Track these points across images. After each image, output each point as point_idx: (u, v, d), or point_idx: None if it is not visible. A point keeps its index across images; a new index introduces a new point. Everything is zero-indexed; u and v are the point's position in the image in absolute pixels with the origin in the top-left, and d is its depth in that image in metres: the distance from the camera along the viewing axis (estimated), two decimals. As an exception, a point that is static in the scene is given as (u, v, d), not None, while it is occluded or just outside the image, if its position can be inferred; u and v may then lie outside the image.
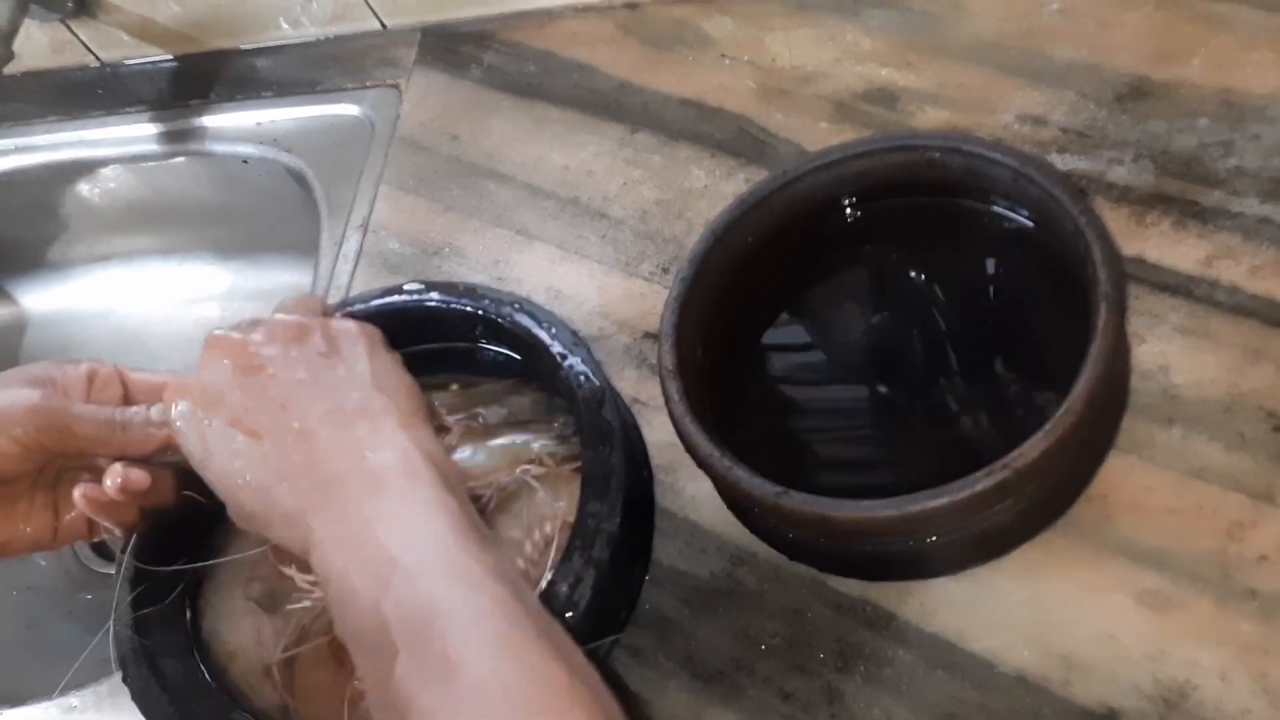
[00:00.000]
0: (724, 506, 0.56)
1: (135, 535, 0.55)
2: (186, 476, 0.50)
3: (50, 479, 0.51)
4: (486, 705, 0.36)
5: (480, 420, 0.58)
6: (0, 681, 0.81)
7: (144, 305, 0.97)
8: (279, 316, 0.50)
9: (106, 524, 0.51)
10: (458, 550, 0.41)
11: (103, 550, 0.88)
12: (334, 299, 0.73)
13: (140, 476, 0.49)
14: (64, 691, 0.63)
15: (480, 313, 0.60)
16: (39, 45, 0.92)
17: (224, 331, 0.49)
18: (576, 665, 0.39)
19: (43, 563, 0.89)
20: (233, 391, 0.46)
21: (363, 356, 0.48)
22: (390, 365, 0.49)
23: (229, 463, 0.46)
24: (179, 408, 0.47)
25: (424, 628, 0.38)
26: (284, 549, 0.46)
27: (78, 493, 0.50)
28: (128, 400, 0.52)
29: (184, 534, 0.56)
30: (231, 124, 0.86)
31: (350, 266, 0.74)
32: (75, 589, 0.87)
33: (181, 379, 0.49)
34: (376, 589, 0.40)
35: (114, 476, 0.49)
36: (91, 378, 0.51)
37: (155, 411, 0.50)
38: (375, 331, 0.50)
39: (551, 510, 0.55)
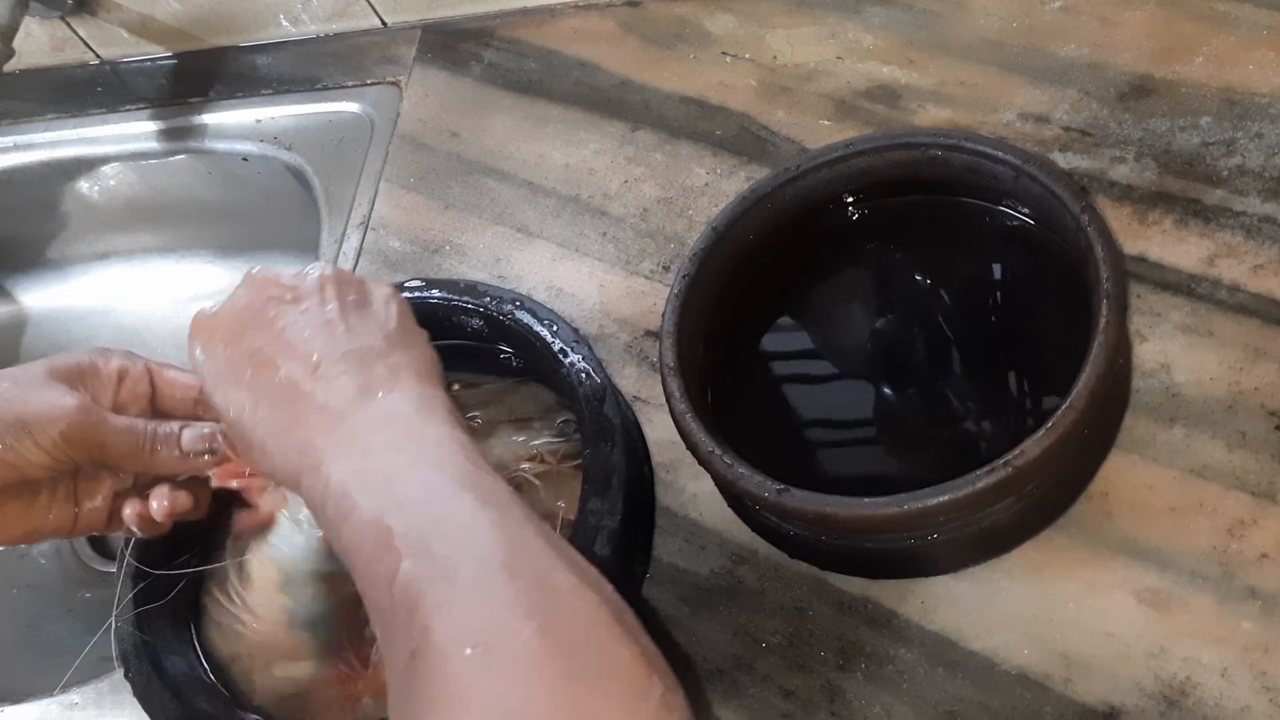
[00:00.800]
0: (725, 504, 0.56)
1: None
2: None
3: (71, 470, 0.51)
4: (495, 602, 0.35)
5: (479, 420, 0.58)
6: (0, 679, 0.81)
7: (144, 303, 0.97)
8: (319, 264, 0.50)
9: (138, 531, 0.52)
10: (467, 473, 0.40)
11: (102, 548, 0.88)
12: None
13: (185, 501, 0.51)
14: (65, 689, 0.63)
15: (481, 310, 0.59)
16: (39, 42, 0.92)
17: (262, 269, 0.49)
18: (588, 575, 0.38)
19: (42, 560, 0.89)
20: (257, 321, 0.46)
21: (394, 314, 0.48)
22: (416, 329, 0.48)
23: (240, 389, 0.45)
24: (199, 349, 0.48)
25: (433, 535, 0.38)
26: (278, 479, 0.46)
27: (128, 511, 0.51)
28: (156, 399, 0.52)
29: (186, 532, 0.55)
30: (231, 121, 0.86)
31: (351, 264, 0.74)
32: (75, 587, 0.87)
33: (205, 316, 0.48)
34: (382, 502, 0.39)
35: (160, 499, 0.51)
36: (122, 377, 0.51)
37: (187, 437, 0.51)
38: (407, 302, 0.50)
39: (552, 508, 0.55)
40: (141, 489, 0.52)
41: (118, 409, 0.51)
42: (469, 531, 0.38)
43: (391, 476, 0.40)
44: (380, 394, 0.43)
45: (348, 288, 0.48)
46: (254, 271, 0.50)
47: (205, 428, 0.51)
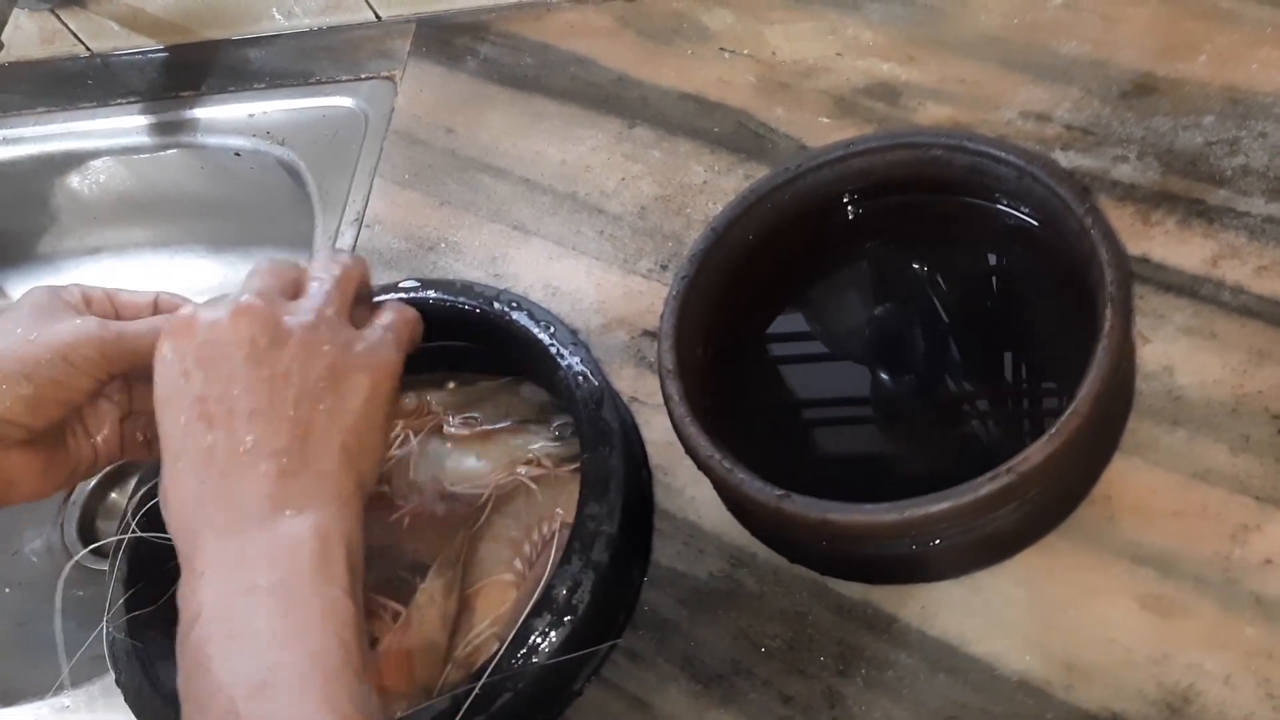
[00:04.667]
0: (724, 507, 0.55)
1: (129, 536, 0.54)
2: None
3: (97, 393, 0.50)
4: None
5: (479, 422, 0.58)
6: (-7, 679, 0.80)
7: (136, 298, 0.96)
8: (314, 305, 0.46)
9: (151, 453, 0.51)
10: (333, 667, 0.39)
11: (93, 537, 0.88)
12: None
13: None
14: (56, 691, 0.62)
15: (477, 311, 0.59)
16: (28, 35, 0.91)
17: (261, 299, 0.46)
18: None
19: (34, 559, 0.88)
20: (219, 359, 0.44)
21: (355, 410, 0.45)
22: (374, 427, 0.45)
23: (174, 426, 0.44)
24: (167, 351, 0.46)
25: None
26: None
27: (141, 437, 0.51)
28: (120, 318, 0.51)
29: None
30: (223, 116, 0.85)
31: (345, 261, 0.73)
32: (68, 585, 0.86)
33: (186, 319, 0.46)
34: (238, 681, 0.38)
35: None
36: (89, 302, 0.50)
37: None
38: (394, 370, 0.47)
39: (549, 511, 0.55)
40: (138, 412, 0.52)
41: None
42: None
43: (258, 646, 0.39)
44: (288, 513, 0.41)
45: (329, 353, 0.45)
46: (253, 298, 0.46)
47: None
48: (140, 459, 0.52)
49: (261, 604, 0.40)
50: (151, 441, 0.50)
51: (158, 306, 0.51)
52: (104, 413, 0.51)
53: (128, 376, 0.50)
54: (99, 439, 0.51)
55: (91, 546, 0.86)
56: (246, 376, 0.44)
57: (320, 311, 0.46)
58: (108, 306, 0.51)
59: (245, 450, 0.42)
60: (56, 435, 0.49)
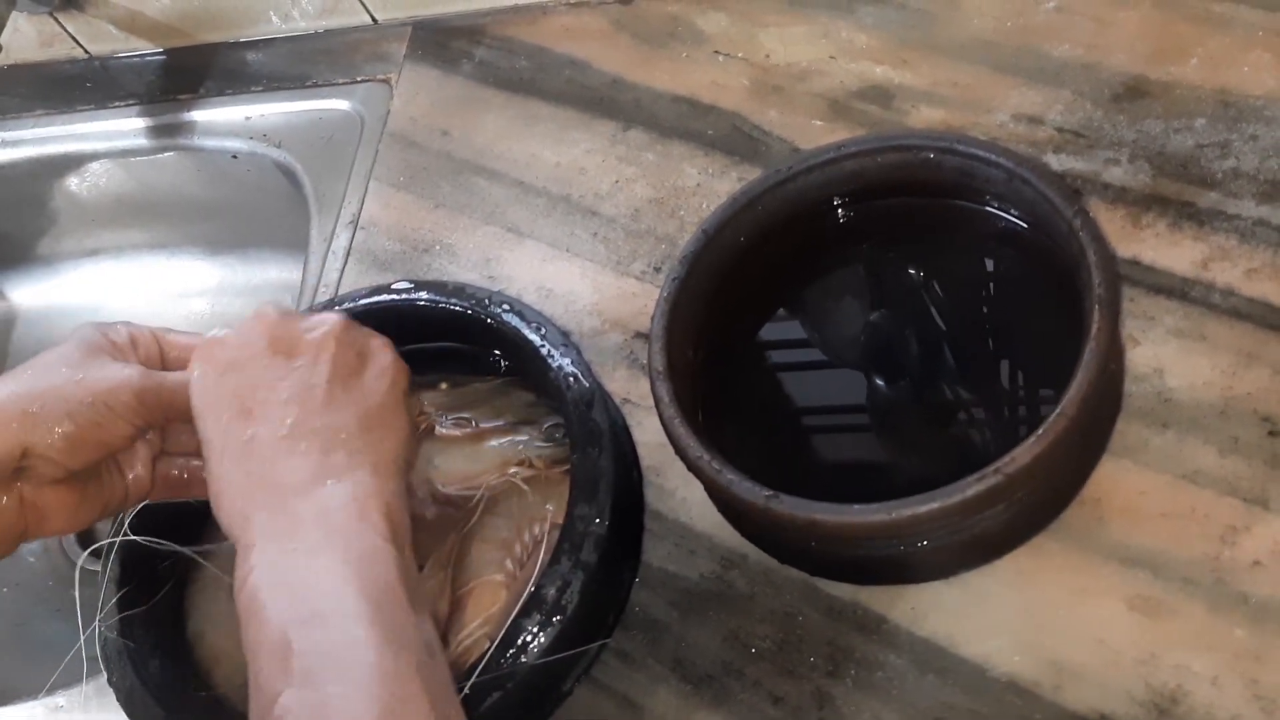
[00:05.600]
0: (714, 509, 0.56)
1: (121, 537, 0.54)
2: None
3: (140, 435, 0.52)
4: None
5: (472, 423, 0.58)
6: (-11, 679, 0.80)
7: (133, 300, 0.96)
8: (333, 316, 0.50)
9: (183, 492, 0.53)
10: (382, 598, 0.41)
11: (90, 539, 0.88)
12: (324, 296, 0.72)
13: None
14: (50, 691, 0.63)
15: (469, 313, 0.59)
16: (27, 38, 0.91)
17: (278, 307, 0.50)
18: None
19: (31, 559, 0.88)
20: (250, 365, 0.47)
21: (380, 391, 0.48)
22: (397, 409, 0.48)
23: (216, 430, 0.46)
24: (198, 371, 0.49)
25: (322, 668, 0.39)
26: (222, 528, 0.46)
27: (174, 472, 0.52)
28: (165, 362, 0.52)
29: (172, 534, 0.55)
30: (221, 119, 0.85)
31: (340, 263, 0.73)
32: (63, 586, 0.87)
33: (213, 340, 0.49)
34: (289, 614, 0.40)
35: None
36: (135, 343, 0.51)
37: None
38: (405, 372, 0.50)
39: (540, 512, 0.55)
40: (171, 450, 0.53)
41: None
42: (358, 675, 0.39)
43: (308, 585, 0.41)
44: (330, 482, 0.44)
45: (348, 350, 0.48)
46: (268, 308, 0.50)
47: None
48: (169, 498, 0.53)
49: (308, 556, 0.42)
50: (182, 481, 0.52)
51: None
52: (137, 452, 0.51)
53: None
54: (131, 477, 0.51)
55: (91, 549, 0.86)
56: (277, 368, 0.47)
57: (330, 319, 0.50)
58: (154, 348, 0.52)
59: (284, 434, 0.45)
60: (92, 473, 0.50)
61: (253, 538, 0.43)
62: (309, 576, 0.41)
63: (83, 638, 0.56)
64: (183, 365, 0.52)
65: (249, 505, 0.44)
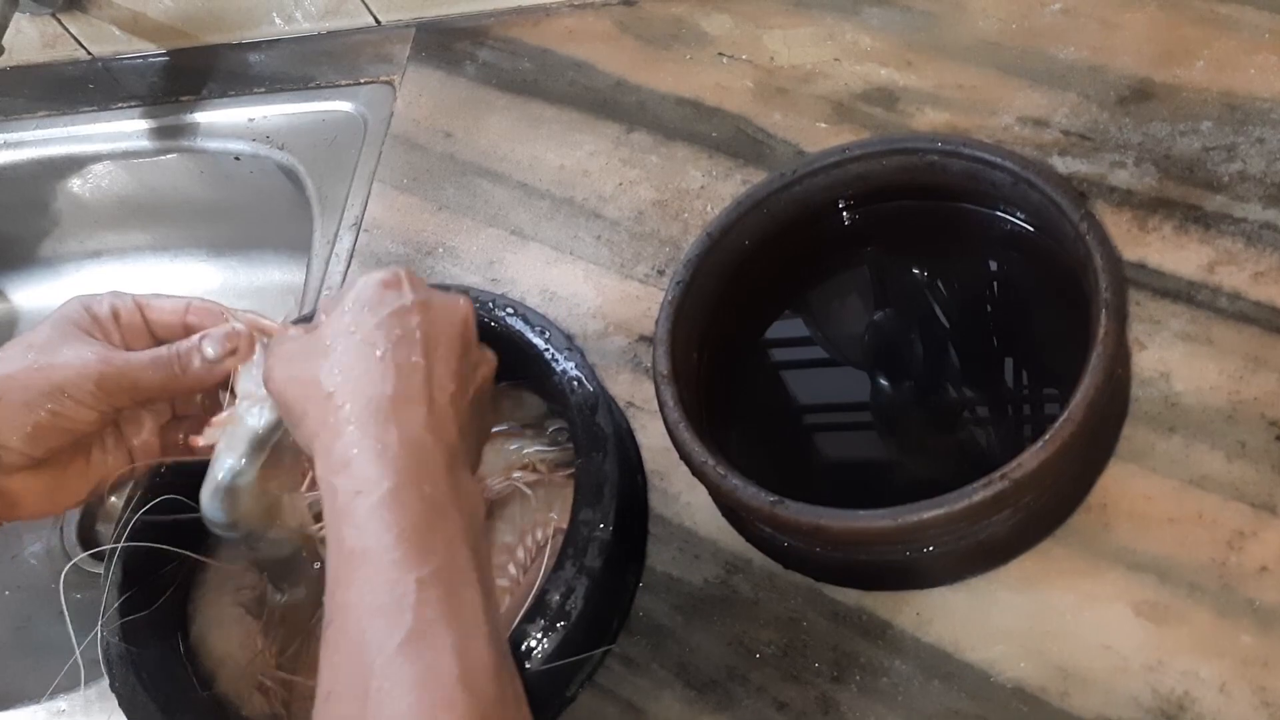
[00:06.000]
0: (719, 513, 0.55)
1: (124, 544, 0.54)
2: None
3: (115, 416, 0.51)
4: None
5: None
6: (-8, 681, 0.80)
7: (136, 302, 0.96)
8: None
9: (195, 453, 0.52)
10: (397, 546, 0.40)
11: (92, 541, 0.88)
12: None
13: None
14: (52, 695, 0.62)
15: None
16: (30, 39, 0.91)
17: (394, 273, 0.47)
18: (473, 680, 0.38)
19: (33, 561, 0.88)
20: (345, 316, 0.45)
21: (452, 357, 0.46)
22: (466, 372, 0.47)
23: (291, 357, 0.45)
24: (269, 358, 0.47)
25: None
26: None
27: (182, 436, 0.52)
28: (150, 330, 0.52)
29: (174, 541, 0.55)
30: (224, 120, 0.85)
31: (343, 266, 0.73)
32: (66, 588, 0.86)
33: (277, 335, 0.48)
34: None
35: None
36: (117, 315, 0.51)
37: (208, 345, 0.50)
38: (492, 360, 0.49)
39: (544, 516, 0.55)
40: (181, 416, 0.53)
41: (126, 348, 0.51)
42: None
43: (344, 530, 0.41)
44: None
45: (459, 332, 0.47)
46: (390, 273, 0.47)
47: (220, 330, 0.51)
48: (182, 458, 0.52)
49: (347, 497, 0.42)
50: (192, 445, 0.51)
51: (189, 313, 0.52)
52: (141, 422, 0.51)
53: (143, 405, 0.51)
54: (136, 443, 0.51)
55: (91, 551, 0.86)
56: (374, 314, 0.45)
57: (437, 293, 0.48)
58: (136, 318, 0.51)
59: (377, 360, 0.44)
60: (75, 454, 0.50)
61: (313, 452, 0.43)
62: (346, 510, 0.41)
63: (79, 647, 0.56)
64: (167, 332, 0.51)
65: (314, 425, 0.43)
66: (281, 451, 0.51)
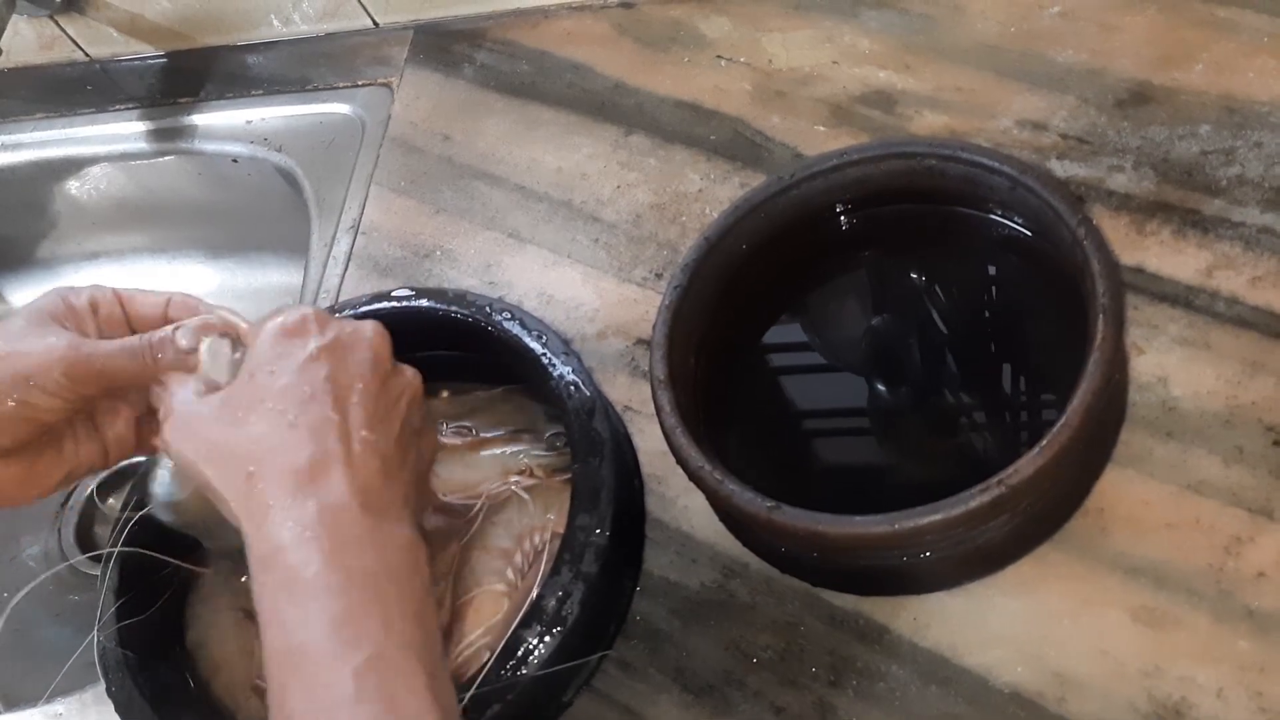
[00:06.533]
0: (716, 517, 0.55)
1: (120, 548, 0.54)
2: None
3: (87, 406, 0.51)
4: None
5: (473, 431, 0.57)
6: (-11, 685, 0.80)
7: (133, 304, 0.96)
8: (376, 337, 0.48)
9: None
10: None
11: (90, 543, 0.88)
12: (324, 302, 0.72)
13: None
14: (50, 698, 0.62)
15: (469, 320, 0.59)
16: (27, 41, 0.91)
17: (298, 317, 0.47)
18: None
19: (31, 564, 0.88)
20: (253, 379, 0.45)
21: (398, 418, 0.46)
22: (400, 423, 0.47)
23: (203, 430, 0.45)
24: (213, 342, 0.47)
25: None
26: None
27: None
28: (130, 322, 0.51)
29: (171, 545, 0.55)
30: (221, 122, 0.85)
31: (340, 269, 0.73)
32: (64, 591, 0.86)
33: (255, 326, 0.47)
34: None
35: None
36: (95, 306, 0.50)
37: (181, 336, 0.49)
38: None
39: (541, 521, 0.55)
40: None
41: (102, 338, 0.50)
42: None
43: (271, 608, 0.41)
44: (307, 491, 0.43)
45: (383, 382, 0.47)
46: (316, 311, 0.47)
47: (195, 321, 0.50)
48: (156, 453, 0.52)
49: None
50: (154, 445, 0.51)
51: (169, 308, 0.51)
52: (117, 413, 0.51)
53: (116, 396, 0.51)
54: (110, 435, 0.51)
55: (89, 555, 0.86)
56: (311, 370, 0.45)
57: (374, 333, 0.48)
58: (115, 310, 0.51)
59: (294, 429, 0.43)
60: (46, 443, 0.49)
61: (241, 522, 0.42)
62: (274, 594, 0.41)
63: (81, 647, 0.56)
64: (147, 326, 0.51)
65: (236, 487, 0.43)
66: None
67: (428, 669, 0.40)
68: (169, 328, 0.50)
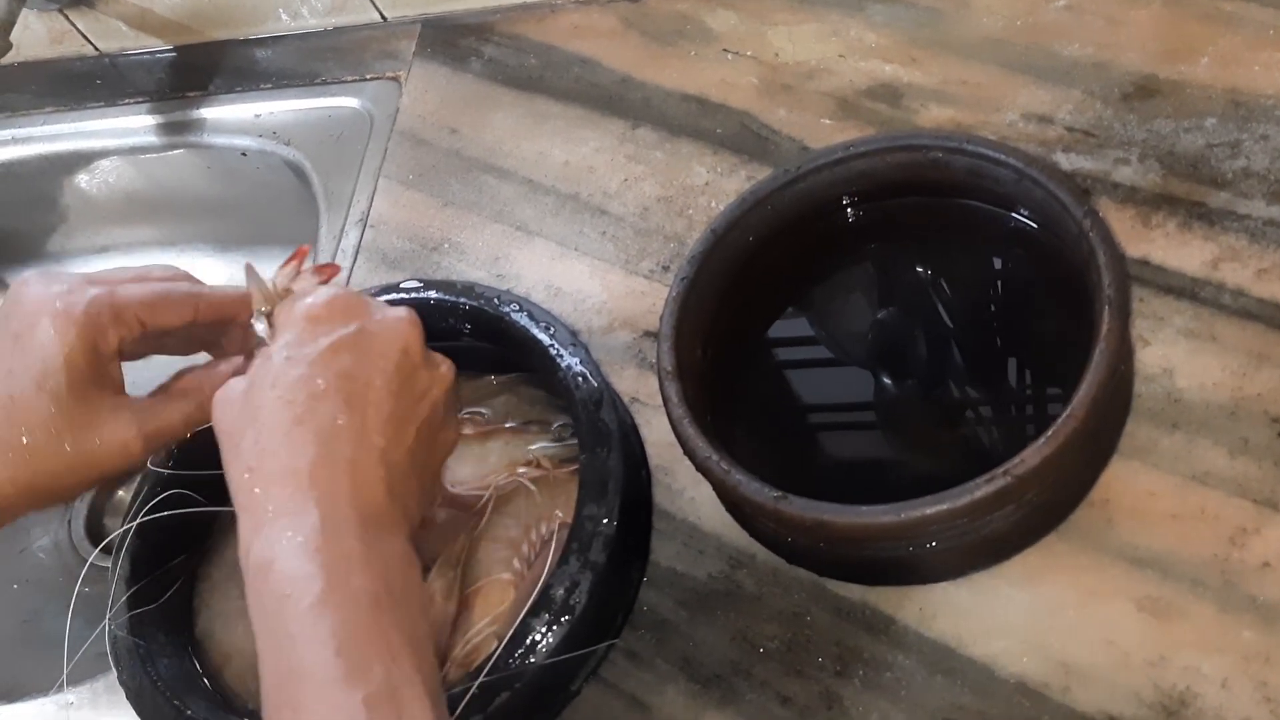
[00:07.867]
0: (723, 508, 0.56)
1: (133, 534, 0.54)
2: None
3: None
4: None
5: (483, 416, 0.58)
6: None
7: (143, 297, 0.96)
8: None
9: None
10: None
11: (102, 542, 0.88)
12: (332, 294, 0.72)
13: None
14: (61, 688, 0.63)
15: (478, 312, 0.59)
16: (37, 35, 0.91)
17: (329, 300, 0.44)
18: None
19: (41, 555, 0.88)
20: (273, 362, 0.43)
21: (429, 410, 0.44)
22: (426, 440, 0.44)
23: (231, 411, 0.43)
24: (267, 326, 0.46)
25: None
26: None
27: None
28: (197, 319, 0.50)
29: (183, 534, 0.55)
30: (230, 116, 0.85)
31: (349, 261, 0.74)
32: (74, 582, 0.87)
33: (295, 310, 0.45)
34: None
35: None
36: (117, 313, 0.48)
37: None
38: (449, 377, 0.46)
39: (549, 511, 0.55)
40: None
41: (146, 339, 0.49)
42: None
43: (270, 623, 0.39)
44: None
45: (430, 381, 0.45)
46: (359, 295, 0.46)
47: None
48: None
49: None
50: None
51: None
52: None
53: None
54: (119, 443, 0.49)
55: (102, 545, 0.87)
56: (354, 369, 0.43)
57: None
58: (136, 328, 0.49)
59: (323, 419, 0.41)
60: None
61: (241, 526, 0.40)
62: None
63: (92, 636, 0.56)
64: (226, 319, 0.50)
65: (249, 483, 0.41)
66: None
67: (432, 695, 0.38)
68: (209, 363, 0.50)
